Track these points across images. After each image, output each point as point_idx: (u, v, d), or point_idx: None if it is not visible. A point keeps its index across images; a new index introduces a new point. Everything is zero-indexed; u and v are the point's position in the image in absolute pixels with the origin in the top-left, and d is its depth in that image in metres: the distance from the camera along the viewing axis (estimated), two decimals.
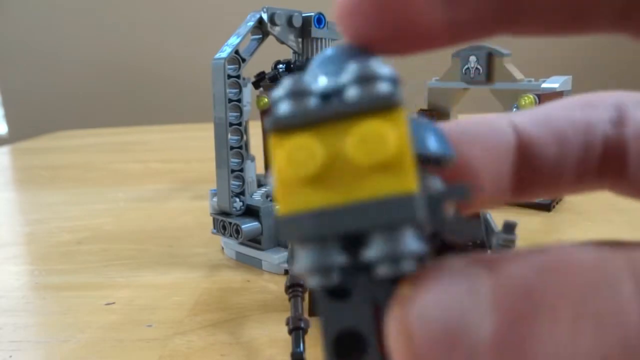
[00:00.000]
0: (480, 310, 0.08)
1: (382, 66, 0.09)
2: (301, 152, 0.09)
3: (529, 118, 0.13)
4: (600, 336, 0.08)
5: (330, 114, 0.09)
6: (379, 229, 0.09)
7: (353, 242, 0.09)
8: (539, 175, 0.13)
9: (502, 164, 0.13)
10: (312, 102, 0.10)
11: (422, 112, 0.60)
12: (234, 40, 0.40)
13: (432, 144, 0.11)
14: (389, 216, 0.09)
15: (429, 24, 0.10)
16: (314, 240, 0.09)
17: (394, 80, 0.09)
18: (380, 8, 0.10)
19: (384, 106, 0.09)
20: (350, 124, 0.09)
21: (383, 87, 0.09)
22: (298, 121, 0.09)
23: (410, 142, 0.09)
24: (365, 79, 0.09)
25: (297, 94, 0.10)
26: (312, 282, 0.09)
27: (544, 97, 0.50)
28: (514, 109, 0.54)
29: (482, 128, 0.13)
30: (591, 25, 0.11)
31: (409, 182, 0.09)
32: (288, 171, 0.09)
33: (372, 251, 0.09)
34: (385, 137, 0.09)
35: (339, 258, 0.09)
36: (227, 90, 0.40)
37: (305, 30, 0.42)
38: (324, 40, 0.43)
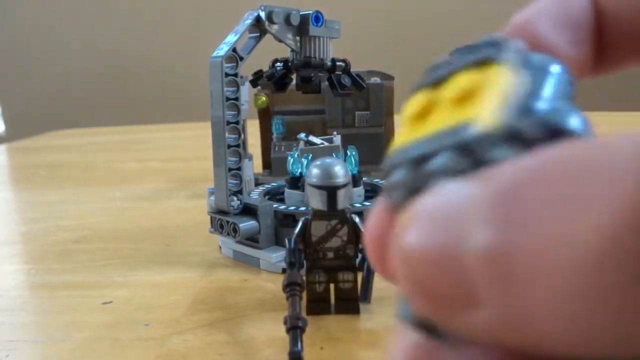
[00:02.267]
0: (473, 220, 0.08)
1: (509, 41, 0.11)
2: (411, 101, 0.12)
3: None
4: (585, 222, 0.07)
5: (445, 75, 0.12)
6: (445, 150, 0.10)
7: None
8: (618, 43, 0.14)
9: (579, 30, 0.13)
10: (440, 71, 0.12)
11: None
12: (231, 39, 0.40)
13: (570, 117, 0.10)
14: (454, 140, 0.10)
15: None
16: (399, 165, 0.11)
17: (507, 46, 0.11)
18: None
19: (483, 62, 0.11)
20: (454, 78, 0.11)
21: (491, 52, 0.11)
22: (423, 84, 0.12)
23: (503, 87, 0.10)
24: (491, 45, 0.11)
25: (431, 69, 0.12)
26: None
27: None
28: None
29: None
30: None
31: (480, 112, 0.10)
32: (402, 117, 0.12)
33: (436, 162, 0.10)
34: (474, 82, 0.11)
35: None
36: (225, 89, 0.40)
37: (303, 28, 0.42)
38: (322, 39, 0.43)
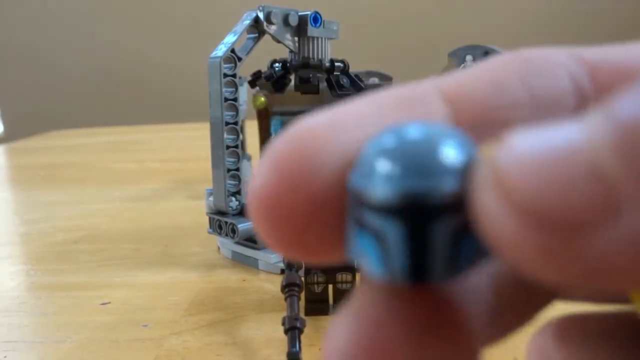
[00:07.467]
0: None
1: None
2: None
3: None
4: None
5: None
6: None
7: None
8: None
9: None
10: None
11: None
12: (230, 39, 0.40)
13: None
14: None
15: None
16: None
17: None
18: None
19: None
20: None
21: None
22: None
23: None
24: None
25: None
26: None
27: None
28: None
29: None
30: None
31: None
32: None
33: None
34: None
35: None
36: (223, 89, 0.40)
37: (301, 29, 0.42)
38: (320, 39, 0.43)
